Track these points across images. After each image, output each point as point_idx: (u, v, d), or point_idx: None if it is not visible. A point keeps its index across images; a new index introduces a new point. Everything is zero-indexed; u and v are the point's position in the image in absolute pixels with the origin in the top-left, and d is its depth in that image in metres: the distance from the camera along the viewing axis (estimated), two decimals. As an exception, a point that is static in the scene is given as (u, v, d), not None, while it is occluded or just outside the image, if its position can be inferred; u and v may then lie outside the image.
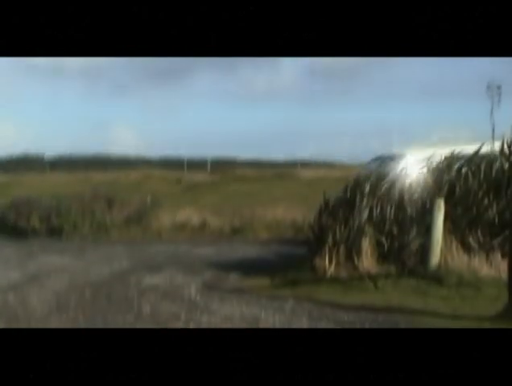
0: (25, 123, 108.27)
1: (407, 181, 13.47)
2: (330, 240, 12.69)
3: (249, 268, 14.46)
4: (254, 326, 9.60)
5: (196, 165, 61.76)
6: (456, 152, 15.10)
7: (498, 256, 12.32)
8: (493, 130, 54.29)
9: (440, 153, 15.46)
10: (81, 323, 10.00)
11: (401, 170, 14.55)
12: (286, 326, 9.58)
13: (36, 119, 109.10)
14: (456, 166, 13.55)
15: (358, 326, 9.50)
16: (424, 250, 12.33)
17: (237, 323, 9.83)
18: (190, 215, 23.18)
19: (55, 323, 10.02)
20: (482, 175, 13.02)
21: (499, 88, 57.92)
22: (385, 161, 17.35)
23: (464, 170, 13.25)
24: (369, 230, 12.72)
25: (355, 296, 11.31)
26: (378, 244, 12.76)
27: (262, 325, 9.72)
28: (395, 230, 12.88)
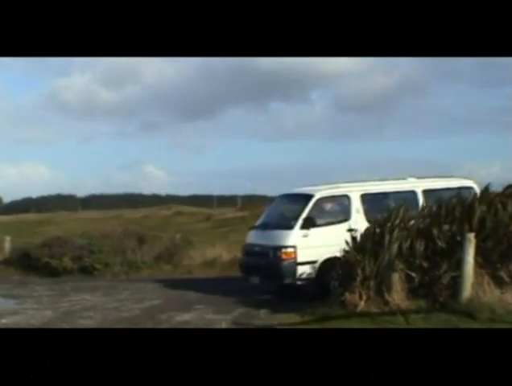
0: (58, 163, 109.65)
1: (435, 214, 13.42)
2: (360, 274, 12.65)
3: (279, 304, 14.44)
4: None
5: (226, 201, 61.91)
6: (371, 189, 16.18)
7: (531, 289, 12.23)
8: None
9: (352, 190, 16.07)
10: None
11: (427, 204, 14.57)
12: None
13: (69, 158, 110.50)
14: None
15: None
16: (455, 284, 12.26)
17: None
18: (220, 251, 23.19)
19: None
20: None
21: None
22: (293, 199, 16.83)
23: (495, 202, 13.17)
24: (398, 264, 12.67)
25: (386, 331, 11.26)
26: (409, 279, 12.69)
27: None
28: (425, 264, 12.81)
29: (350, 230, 14.43)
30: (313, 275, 15.20)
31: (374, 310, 12.35)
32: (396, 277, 12.59)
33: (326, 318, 12.29)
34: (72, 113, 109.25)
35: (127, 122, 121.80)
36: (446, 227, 13.05)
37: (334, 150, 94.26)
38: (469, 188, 15.83)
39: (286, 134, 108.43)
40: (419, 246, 12.88)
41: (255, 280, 16.14)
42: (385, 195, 16.24)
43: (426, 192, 15.98)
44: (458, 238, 12.64)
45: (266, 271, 15.59)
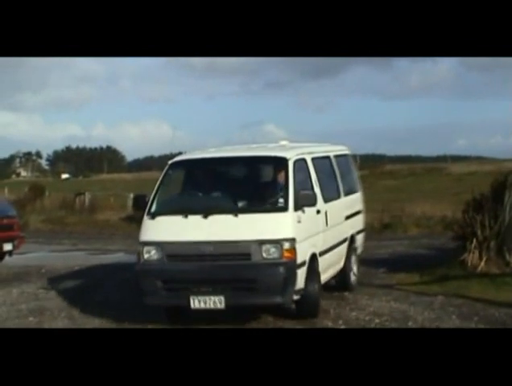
0: (180, 121, 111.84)
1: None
2: (480, 235, 12.47)
3: (398, 263, 14.37)
4: (404, 324, 9.58)
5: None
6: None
7: None
8: None
9: None
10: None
11: None
12: (435, 323, 9.53)
13: (191, 117, 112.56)
14: None
15: (510, 323, 9.37)
16: None
17: (386, 319, 9.85)
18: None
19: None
20: None
21: None
22: (242, 164, 10.73)
23: None
24: (520, 225, 12.41)
25: (506, 293, 11.11)
26: (531, 241, 12.43)
27: (412, 322, 9.70)
28: (549, 226, 12.52)
29: (318, 211, 10.37)
30: (300, 286, 9.55)
31: (495, 270, 12.18)
32: (517, 239, 12.36)
33: (445, 278, 12.23)
34: (195, 72, 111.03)
35: (251, 81, 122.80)
36: None
37: (457, 110, 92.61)
38: (346, 155, 13.43)
39: (410, 93, 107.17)
40: (542, 207, 12.59)
41: (216, 302, 9.32)
42: (320, 159, 11.62)
43: (335, 157, 12.47)
44: None
45: (243, 285, 9.40)
